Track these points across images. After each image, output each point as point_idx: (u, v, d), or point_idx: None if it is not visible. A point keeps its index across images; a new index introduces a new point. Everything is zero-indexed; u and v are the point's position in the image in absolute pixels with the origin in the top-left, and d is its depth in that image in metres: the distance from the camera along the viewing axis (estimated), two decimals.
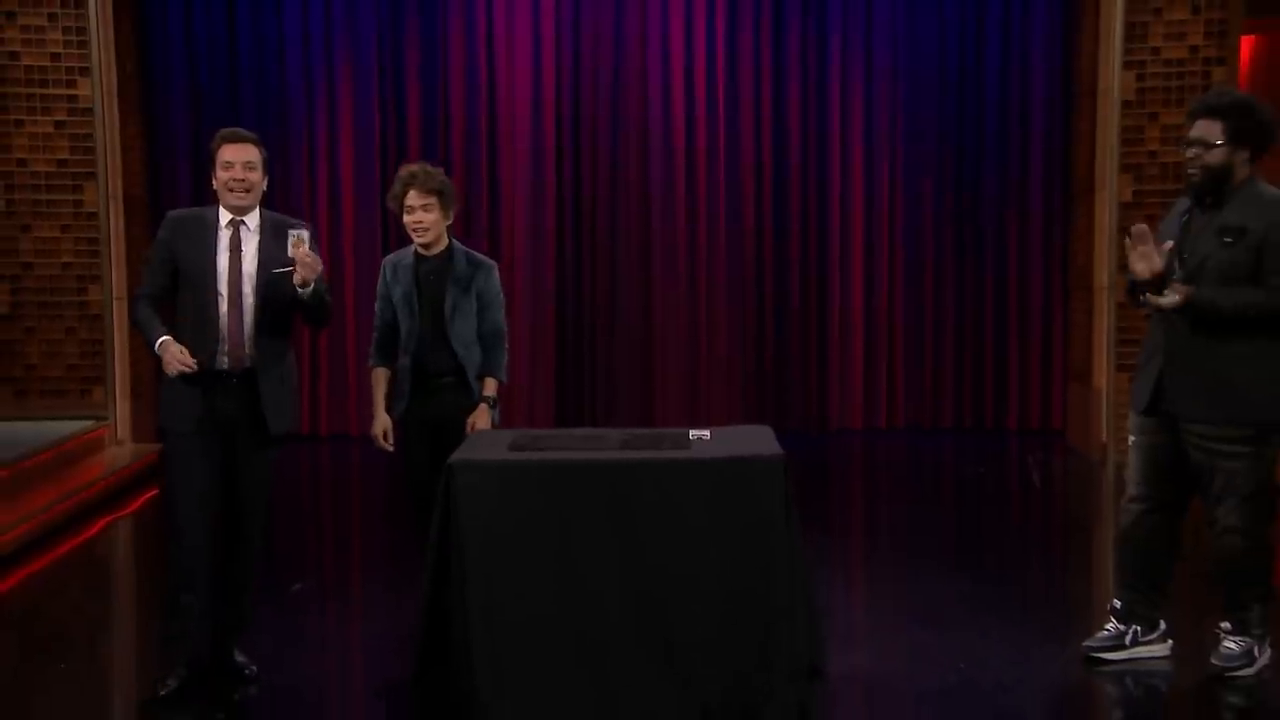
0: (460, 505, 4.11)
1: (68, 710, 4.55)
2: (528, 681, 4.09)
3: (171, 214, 4.63)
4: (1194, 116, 4.58)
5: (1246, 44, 9.40)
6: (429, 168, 4.92)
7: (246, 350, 4.45)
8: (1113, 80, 8.53)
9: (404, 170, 4.92)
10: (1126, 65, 8.50)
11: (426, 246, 4.90)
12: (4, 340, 8.54)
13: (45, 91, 8.47)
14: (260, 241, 4.50)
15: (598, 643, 4.13)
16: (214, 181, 4.52)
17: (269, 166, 4.59)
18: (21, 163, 8.49)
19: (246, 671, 4.62)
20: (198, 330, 4.42)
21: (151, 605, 6.19)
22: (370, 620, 5.57)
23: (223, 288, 4.45)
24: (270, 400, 4.50)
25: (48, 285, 8.55)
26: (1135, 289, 4.60)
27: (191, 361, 4.31)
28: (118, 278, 8.65)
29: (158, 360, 4.41)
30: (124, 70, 8.77)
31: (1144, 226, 4.53)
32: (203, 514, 4.48)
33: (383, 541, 6.89)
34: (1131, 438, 4.77)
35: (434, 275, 4.89)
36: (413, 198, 4.83)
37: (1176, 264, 4.52)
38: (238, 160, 4.47)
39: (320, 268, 4.43)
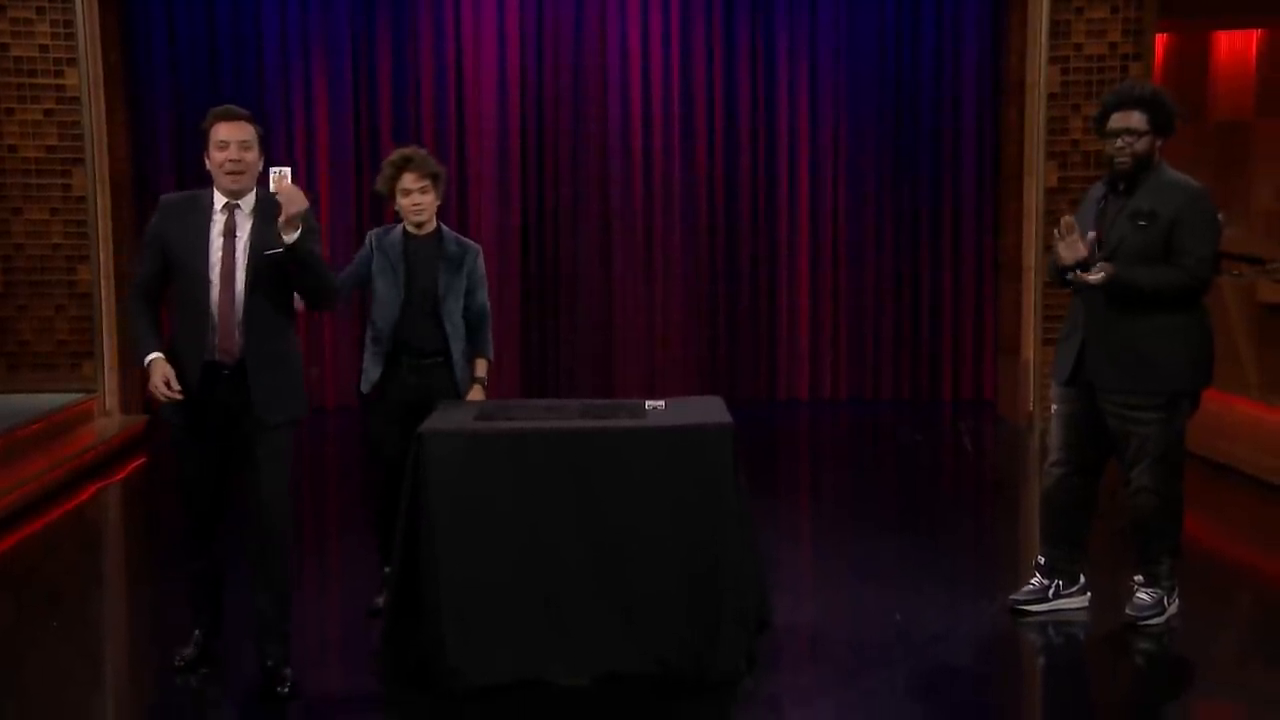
0: (430, 471, 4.10)
1: (61, 664, 4.52)
2: (493, 637, 4.10)
3: (164, 198, 4.21)
4: (1116, 108, 4.58)
5: (1160, 41, 9.48)
6: (421, 151, 4.75)
7: (239, 339, 4.02)
8: (1039, 74, 8.58)
9: (396, 154, 4.73)
10: (1051, 60, 8.55)
11: (419, 227, 4.78)
12: None
13: (34, 81, 8.33)
14: (255, 223, 4.04)
15: (560, 600, 4.14)
16: (207, 162, 4.06)
17: (264, 144, 4.15)
18: (12, 149, 8.36)
19: (280, 689, 4.10)
20: (191, 319, 4.03)
21: (139, 566, 6.17)
22: (345, 582, 5.56)
23: (214, 275, 4.00)
24: (261, 390, 4.03)
25: (38, 265, 8.43)
26: (1060, 271, 4.64)
27: (177, 391, 3.96)
28: (105, 258, 8.54)
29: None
30: (109, 61, 8.63)
31: (1071, 219, 4.57)
32: (200, 500, 4.19)
33: (357, 510, 6.86)
34: (1054, 406, 4.83)
35: (424, 255, 4.75)
36: (409, 180, 4.67)
37: (1097, 248, 4.57)
38: (233, 139, 4.02)
39: (305, 203, 3.91)
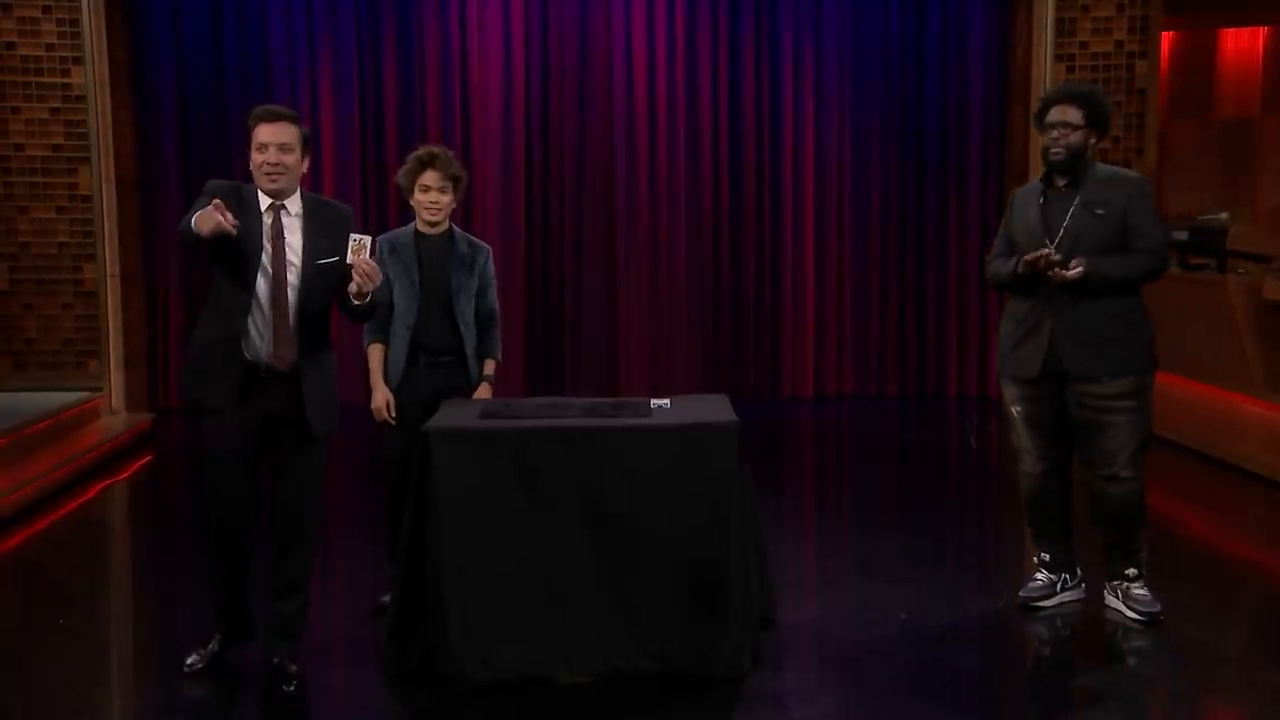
0: (436, 468, 4.11)
1: (68, 662, 4.53)
2: (498, 635, 4.11)
3: (213, 183, 3.99)
4: (1053, 103, 4.70)
5: (1166, 38, 9.47)
6: (448, 152, 4.76)
7: (289, 346, 3.95)
8: (1044, 72, 8.57)
9: (423, 150, 4.73)
10: (1057, 58, 8.55)
11: (432, 226, 4.77)
12: (3, 315, 8.45)
13: (40, 79, 8.35)
14: (303, 228, 3.98)
15: (565, 597, 4.14)
16: (250, 163, 3.99)
17: (309, 145, 4.05)
18: (18, 147, 8.38)
19: (285, 686, 4.15)
20: (234, 320, 3.93)
21: (146, 564, 6.17)
22: (350, 580, 5.56)
23: (264, 278, 3.92)
24: (314, 399, 4.03)
25: (45, 264, 8.46)
26: (1015, 277, 4.65)
27: (231, 223, 3.70)
28: (110, 256, 8.56)
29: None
30: (115, 59, 8.65)
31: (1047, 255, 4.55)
32: (236, 499, 4.04)
33: (364, 507, 6.86)
34: (1015, 408, 4.83)
35: (437, 255, 4.75)
36: (431, 178, 4.69)
37: (1048, 242, 4.61)
38: (272, 142, 3.92)
39: (380, 279, 3.94)
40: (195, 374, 4.05)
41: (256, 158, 3.95)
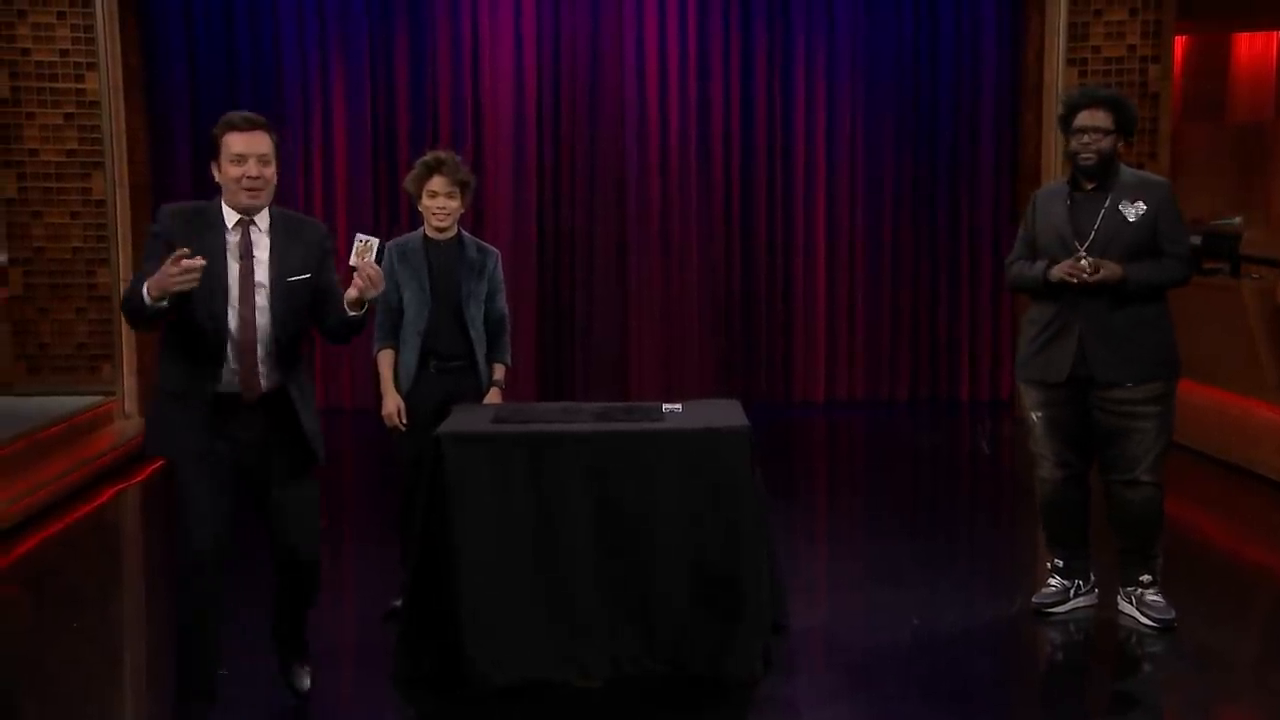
0: (448, 473, 4.12)
1: (81, 665, 4.54)
2: (509, 639, 4.11)
3: (167, 207, 3.73)
4: (1080, 107, 4.66)
5: (1180, 43, 9.45)
6: (455, 157, 4.77)
7: (263, 372, 3.66)
8: (1056, 76, 8.56)
9: (430, 156, 4.75)
10: (1069, 62, 8.53)
11: (440, 231, 4.78)
12: (18, 320, 8.48)
13: (54, 85, 8.38)
14: (273, 244, 3.69)
15: (576, 602, 4.15)
16: (217, 175, 3.67)
17: (280, 155, 3.74)
18: (33, 152, 8.41)
19: (298, 688, 4.14)
20: (203, 349, 3.61)
21: (159, 568, 6.19)
22: (361, 584, 5.57)
23: (234, 299, 3.62)
24: (308, 422, 3.76)
25: (59, 268, 8.48)
26: (1047, 283, 4.64)
27: (198, 264, 3.38)
28: (124, 261, 8.58)
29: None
30: (128, 65, 8.67)
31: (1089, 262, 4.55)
32: (213, 555, 3.69)
33: (375, 512, 6.88)
34: (1037, 413, 4.79)
35: (447, 260, 4.76)
36: (439, 184, 4.70)
37: (1076, 245, 4.58)
38: (251, 153, 3.62)
39: (383, 286, 3.68)
40: (168, 408, 3.71)
41: (233, 171, 3.62)
